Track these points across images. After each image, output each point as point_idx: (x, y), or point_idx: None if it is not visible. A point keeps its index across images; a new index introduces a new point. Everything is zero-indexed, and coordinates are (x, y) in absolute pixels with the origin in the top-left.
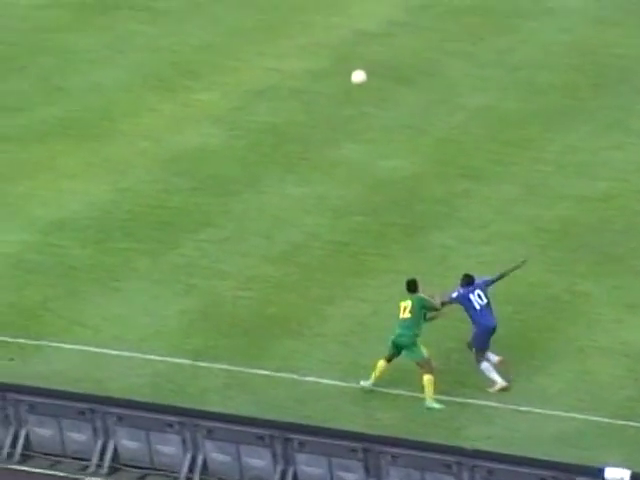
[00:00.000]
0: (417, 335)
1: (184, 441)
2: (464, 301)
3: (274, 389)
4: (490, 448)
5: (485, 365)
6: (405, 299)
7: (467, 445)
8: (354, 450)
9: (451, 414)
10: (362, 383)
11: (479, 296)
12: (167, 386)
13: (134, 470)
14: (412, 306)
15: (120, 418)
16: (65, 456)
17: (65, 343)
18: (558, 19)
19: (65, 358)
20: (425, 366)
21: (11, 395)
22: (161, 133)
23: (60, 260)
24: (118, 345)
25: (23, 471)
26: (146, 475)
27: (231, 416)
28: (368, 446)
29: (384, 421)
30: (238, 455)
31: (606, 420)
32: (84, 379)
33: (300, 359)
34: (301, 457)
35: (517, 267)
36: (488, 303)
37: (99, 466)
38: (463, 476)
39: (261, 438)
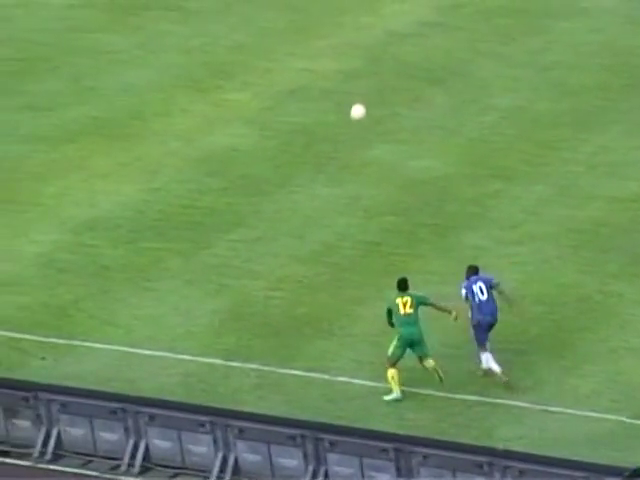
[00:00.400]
0: (422, 332)
1: (215, 441)
2: (468, 292)
3: (305, 389)
4: (521, 448)
5: (485, 357)
6: (401, 296)
7: (498, 445)
8: (385, 450)
9: (483, 414)
10: (386, 398)
11: (480, 289)
12: (199, 386)
13: (165, 470)
14: (411, 301)
15: (152, 418)
16: (97, 455)
17: (97, 343)
18: (590, 19)
19: (97, 358)
20: (429, 361)
21: (43, 394)
22: (193, 133)
23: (92, 260)
24: (150, 345)
25: (55, 470)
26: (177, 475)
27: (262, 416)
28: (399, 446)
29: (415, 421)
30: (269, 455)
31: (638, 422)
32: (116, 379)
33: (331, 359)
34: (332, 457)
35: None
36: (488, 300)
37: (130, 465)
38: (494, 476)
39: (292, 438)
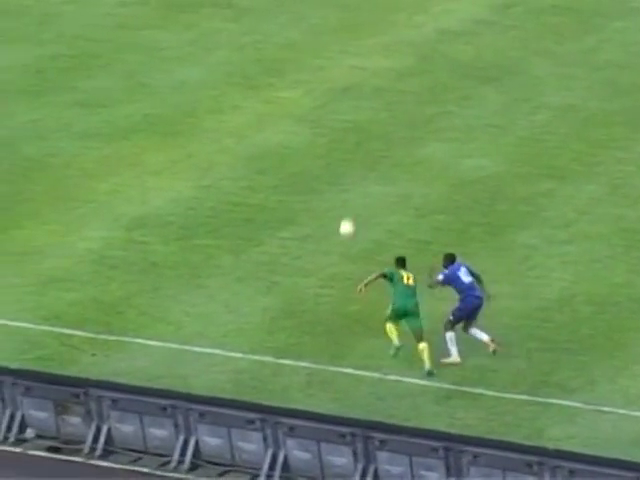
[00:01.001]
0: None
1: (265, 438)
2: (453, 279)
3: (355, 387)
4: (572, 448)
5: (450, 335)
6: (405, 272)
7: (549, 445)
8: (435, 449)
9: (533, 414)
10: (391, 352)
11: (465, 273)
12: (249, 383)
13: (215, 467)
14: (414, 277)
15: (202, 415)
16: (146, 452)
17: (148, 339)
18: None
19: (148, 354)
20: (421, 335)
21: (94, 391)
22: (244, 130)
23: (143, 256)
24: (200, 342)
25: (105, 467)
26: (227, 472)
27: (312, 414)
28: (449, 445)
29: (466, 420)
30: (319, 453)
31: None
32: (166, 375)
33: (381, 357)
34: (382, 455)
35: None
36: (474, 282)
37: (180, 462)
38: (544, 476)
39: (342, 436)
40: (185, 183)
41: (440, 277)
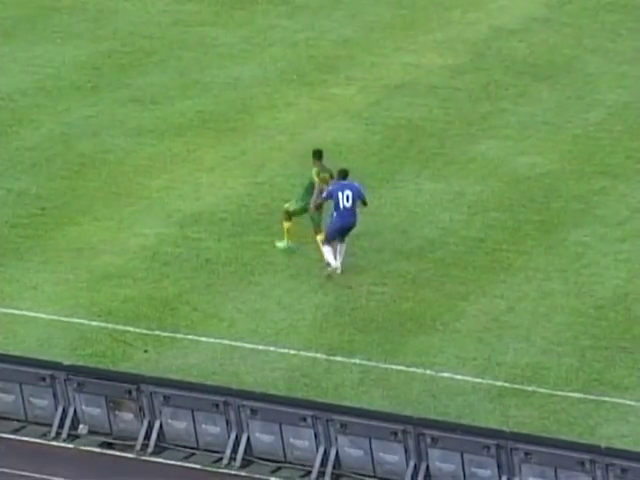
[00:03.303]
0: (307, 204)
1: (317, 435)
2: (333, 196)
3: (408, 384)
4: (624, 446)
5: (327, 247)
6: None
7: (601, 443)
8: (487, 447)
9: (586, 412)
10: (278, 244)
11: (347, 197)
12: (301, 380)
13: (267, 463)
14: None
15: (254, 411)
16: (198, 449)
17: (200, 336)
18: None
19: (200, 351)
20: (318, 230)
21: (146, 387)
22: (298, 127)
23: (196, 253)
24: (253, 338)
25: (157, 463)
26: (279, 468)
27: (364, 411)
28: (501, 443)
29: (518, 418)
30: (371, 450)
31: None
32: (219, 372)
33: (435, 355)
34: (434, 453)
35: None
36: (352, 208)
37: (232, 459)
38: (597, 474)
39: (394, 433)
40: (238, 180)
41: (323, 195)
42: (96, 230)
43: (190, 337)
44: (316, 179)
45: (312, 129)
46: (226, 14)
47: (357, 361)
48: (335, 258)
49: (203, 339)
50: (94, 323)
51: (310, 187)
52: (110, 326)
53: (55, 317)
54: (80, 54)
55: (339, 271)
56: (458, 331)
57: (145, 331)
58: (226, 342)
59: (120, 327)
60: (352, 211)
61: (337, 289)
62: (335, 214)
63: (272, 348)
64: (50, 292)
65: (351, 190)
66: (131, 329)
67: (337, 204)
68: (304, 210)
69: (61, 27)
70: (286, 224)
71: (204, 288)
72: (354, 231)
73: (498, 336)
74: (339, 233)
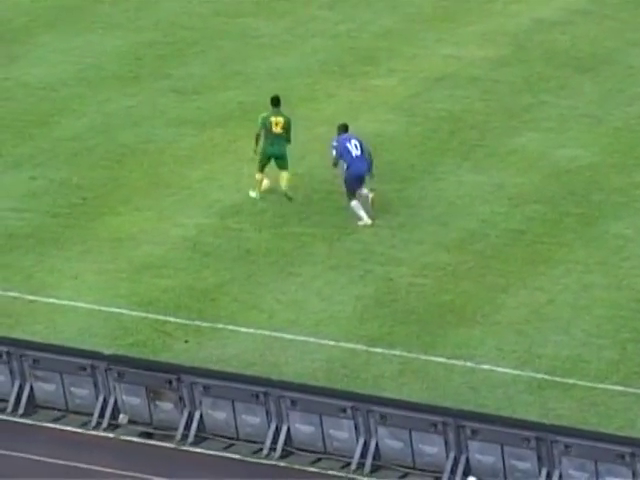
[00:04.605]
0: (286, 150)
1: (357, 426)
2: (342, 149)
3: (448, 376)
4: None
5: (354, 203)
6: (276, 115)
7: None
8: (527, 439)
9: (626, 405)
10: (251, 194)
11: (355, 146)
12: (341, 371)
13: (307, 454)
14: (284, 123)
15: (294, 402)
16: (238, 439)
17: (240, 326)
18: None
19: (240, 341)
20: (283, 174)
21: (186, 377)
22: (338, 119)
23: (237, 244)
24: (293, 329)
25: (197, 453)
26: (319, 459)
27: (404, 402)
28: (541, 435)
29: (558, 411)
30: (410, 441)
31: None
32: (258, 362)
33: (474, 347)
34: (473, 445)
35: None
36: (362, 155)
37: (272, 449)
38: (637, 467)
39: (434, 425)
40: (279, 171)
41: (333, 152)
42: (137, 220)
43: (230, 327)
44: (259, 122)
45: (353, 120)
46: (267, 5)
47: (397, 353)
48: (364, 211)
49: (243, 330)
50: (134, 313)
51: (259, 134)
52: (150, 316)
53: (95, 307)
54: (121, 44)
55: (370, 222)
56: (498, 323)
57: (185, 321)
58: (266, 333)
59: (160, 317)
60: (363, 158)
61: (377, 280)
62: (349, 165)
63: (312, 339)
64: (90, 282)
65: (357, 139)
66: (171, 319)
67: (349, 154)
68: (264, 158)
69: (102, 17)
70: (258, 176)
71: (244, 279)
72: (395, 222)
73: (538, 328)
74: (357, 181)
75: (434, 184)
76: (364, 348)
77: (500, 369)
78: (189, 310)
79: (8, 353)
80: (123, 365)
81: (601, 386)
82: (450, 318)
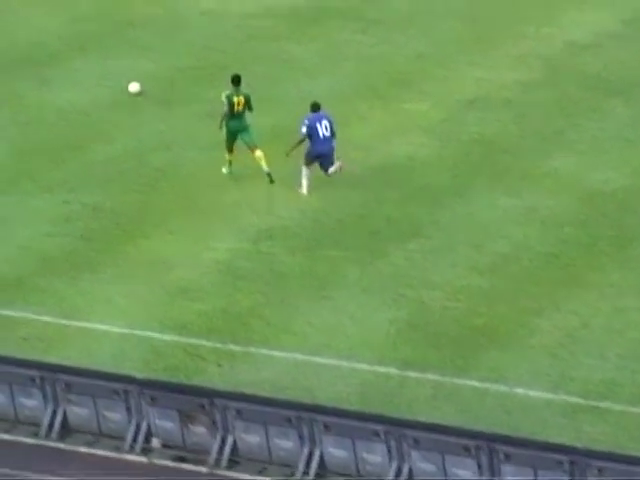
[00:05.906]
0: (249, 124)
1: (390, 450)
2: (311, 129)
3: (481, 400)
4: None
5: (306, 171)
6: (237, 95)
7: None
8: (560, 463)
9: None
10: (223, 170)
11: (325, 127)
12: (374, 395)
13: (340, 478)
14: (244, 101)
15: (326, 426)
16: (271, 463)
17: (273, 350)
18: None
19: (273, 365)
20: (254, 148)
21: (219, 401)
22: (371, 142)
23: (270, 267)
24: (326, 353)
25: (230, 477)
26: None
27: (437, 426)
28: (575, 459)
29: (592, 434)
30: (443, 465)
31: None
32: (292, 387)
33: (508, 370)
34: (506, 469)
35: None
36: (330, 136)
37: (305, 473)
38: None
39: (467, 449)
40: (312, 195)
41: (303, 129)
42: (169, 244)
43: (263, 351)
44: (223, 100)
45: (385, 144)
46: (300, 29)
47: (430, 376)
48: (308, 184)
49: (276, 353)
50: (167, 337)
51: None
52: (183, 340)
53: (128, 331)
54: (154, 68)
55: (306, 194)
56: (531, 347)
57: (218, 345)
58: (299, 357)
59: (193, 341)
60: (330, 139)
61: (410, 304)
62: (313, 142)
63: (345, 363)
64: (123, 305)
65: (327, 120)
66: (204, 343)
67: (317, 134)
68: (230, 136)
69: (135, 42)
70: (227, 155)
71: (277, 302)
72: (427, 245)
73: (572, 352)
74: (317, 158)
75: (466, 207)
76: (397, 372)
77: (533, 393)
78: (222, 334)
79: (41, 378)
80: (156, 389)
81: (635, 410)
82: (483, 341)
